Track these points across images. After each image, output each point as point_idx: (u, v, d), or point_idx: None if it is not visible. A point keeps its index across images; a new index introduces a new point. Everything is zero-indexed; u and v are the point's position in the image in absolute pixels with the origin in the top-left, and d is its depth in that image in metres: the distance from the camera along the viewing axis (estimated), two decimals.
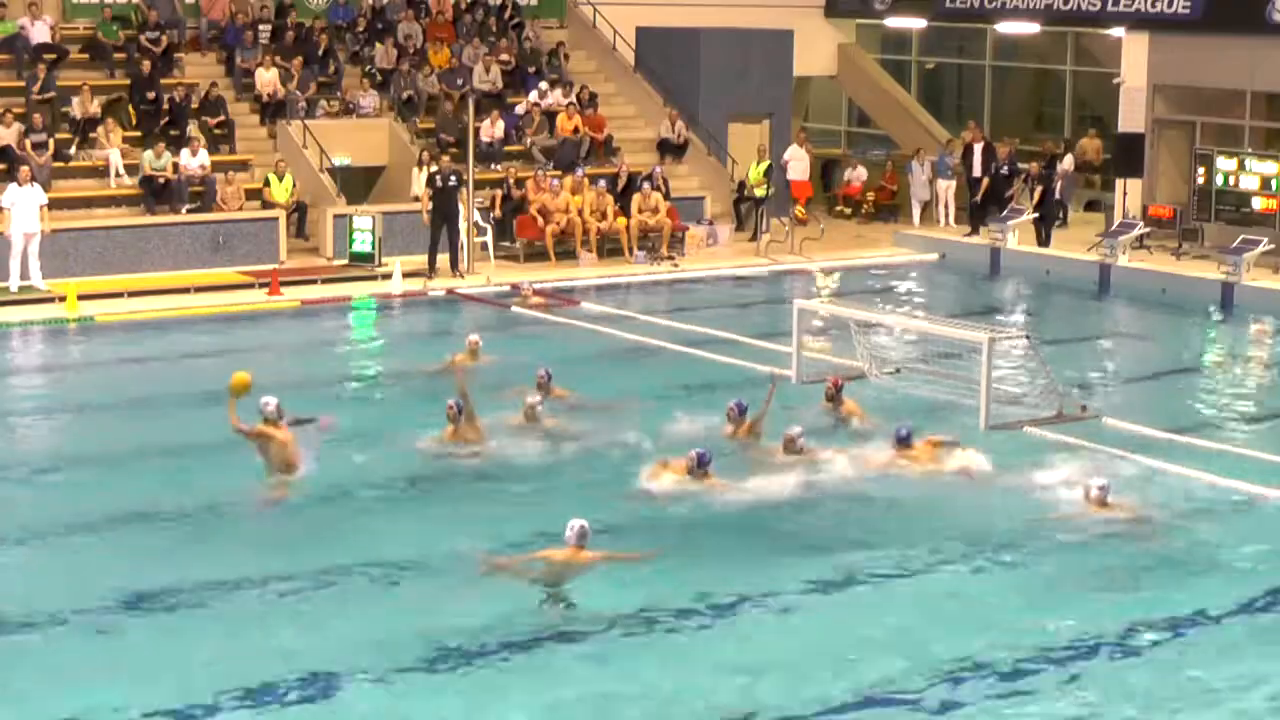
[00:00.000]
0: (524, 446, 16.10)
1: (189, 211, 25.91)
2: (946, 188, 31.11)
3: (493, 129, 29.03)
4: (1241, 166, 27.14)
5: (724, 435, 16.32)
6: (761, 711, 10.69)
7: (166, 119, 27.28)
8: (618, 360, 19.92)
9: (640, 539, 13.46)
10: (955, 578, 13.20)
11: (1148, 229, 27.67)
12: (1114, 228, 27.44)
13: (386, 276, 25.02)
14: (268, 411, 14.89)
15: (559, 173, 28.22)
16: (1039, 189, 28.77)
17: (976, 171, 30.08)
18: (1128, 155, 28.84)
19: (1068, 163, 30.89)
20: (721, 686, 11.07)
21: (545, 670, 11.36)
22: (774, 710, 10.71)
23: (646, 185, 27.95)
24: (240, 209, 26.22)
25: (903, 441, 15.81)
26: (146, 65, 27.84)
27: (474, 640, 11.65)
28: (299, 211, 26.94)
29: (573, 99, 30.45)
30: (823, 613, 12.54)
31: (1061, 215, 30.45)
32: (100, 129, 26.46)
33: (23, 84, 26.97)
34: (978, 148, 30.37)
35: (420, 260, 25.64)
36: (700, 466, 14.82)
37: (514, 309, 23.57)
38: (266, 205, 26.53)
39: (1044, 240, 28.41)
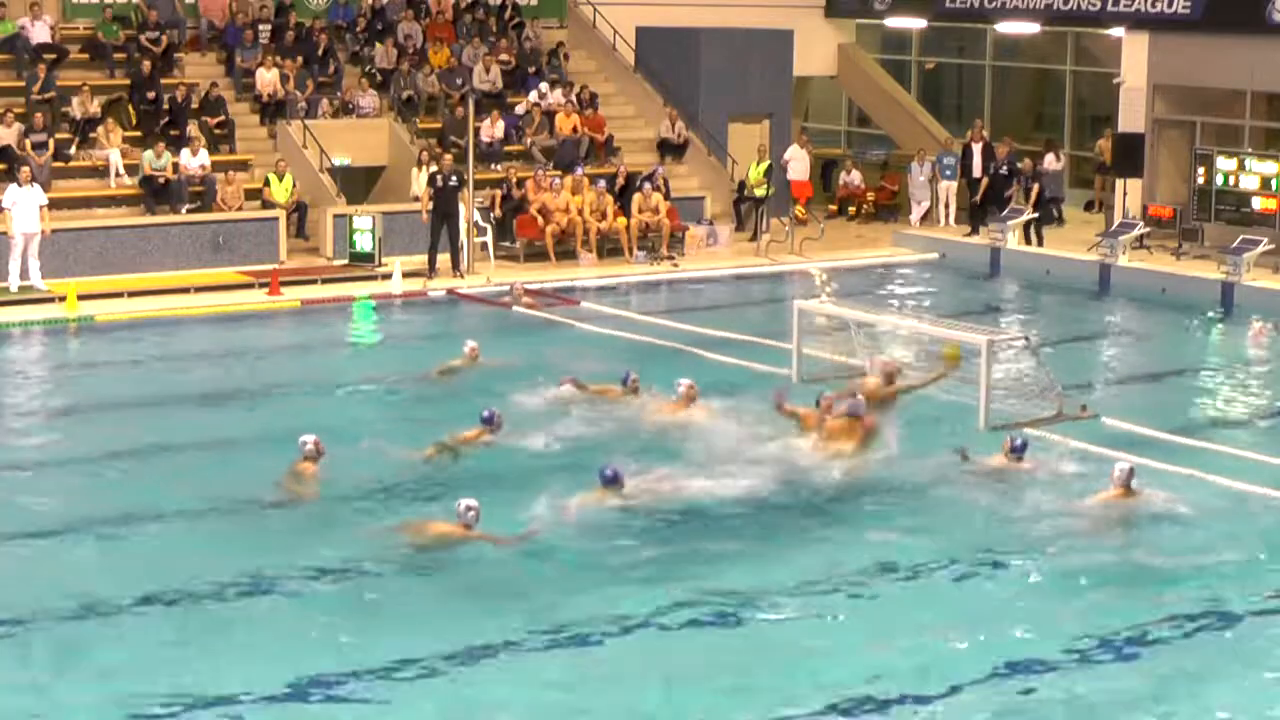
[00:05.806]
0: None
1: (189, 211, 25.91)
2: (947, 188, 31.09)
3: (493, 129, 29.04)
4: (1241, 166, 27.12)
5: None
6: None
7: (166, 119, 27.29)
8: (617, 360, 19.89)
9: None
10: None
11: (1148, 229, 27.68)
12: (1114, 228, 27.45)
13: (386, 276, 25.02)
14: (306, 450, 15.00)
15: (559, 173, 28.22)
16: (1034, 188, 28.77)
17: (976, 172, 30.10)
18: (1128, 155, 28.84)
19: (1049, 161, 30.70)
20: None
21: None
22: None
23: (647, 185, 27.93)
24: (240, 209, 26.22)
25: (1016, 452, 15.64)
26: (146, 65, 27.85)
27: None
28: (299, 211, 26.94)
29: (572, 99, 30.45)
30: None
31: (1057, 214, 30.42)
32: (100, 129, 26.47)
33: (23, 84, 26.98)
34: (977, 148, 30.38)
35: (420, 260, 25.64)
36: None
37: (515, 309, 23.57)
38: (266, 205, 26.53)
39: (1036, 239, 28.41)
